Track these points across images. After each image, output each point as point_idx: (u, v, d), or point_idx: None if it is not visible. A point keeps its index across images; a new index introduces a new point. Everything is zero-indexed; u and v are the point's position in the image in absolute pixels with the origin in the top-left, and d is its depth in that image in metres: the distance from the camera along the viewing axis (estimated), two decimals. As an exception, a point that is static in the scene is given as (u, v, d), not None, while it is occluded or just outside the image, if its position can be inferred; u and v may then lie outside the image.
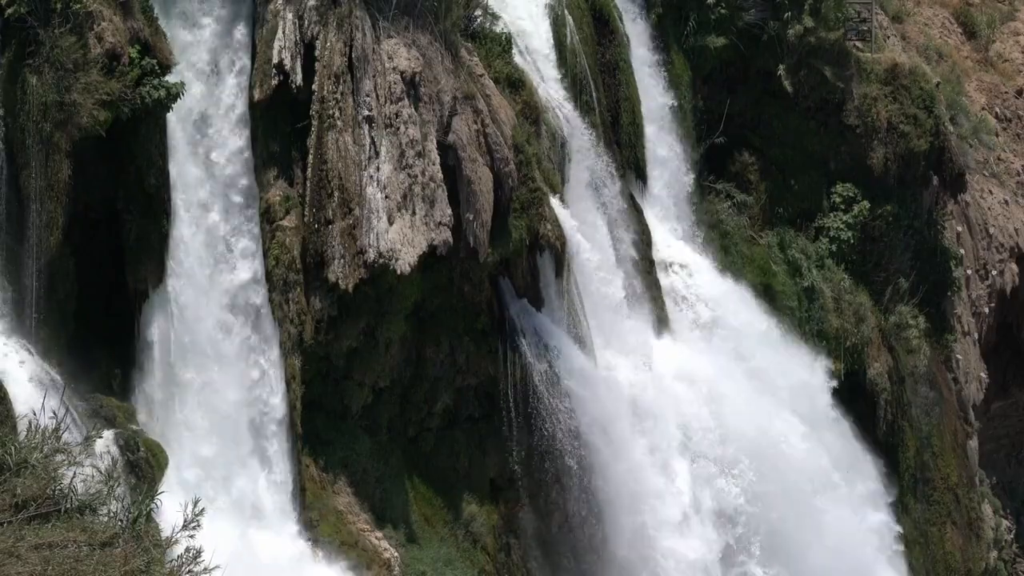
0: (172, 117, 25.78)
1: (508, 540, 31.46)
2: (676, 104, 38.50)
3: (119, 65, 24.64)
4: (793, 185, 41.36)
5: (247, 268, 27.37)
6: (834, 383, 38.96)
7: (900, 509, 40.80)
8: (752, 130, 41.14)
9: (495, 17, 32.43)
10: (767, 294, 39.32)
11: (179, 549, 12.73)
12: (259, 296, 27.51)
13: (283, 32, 27.53)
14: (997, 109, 50.37)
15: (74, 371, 24.58)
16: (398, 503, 29.69)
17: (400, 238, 28.02)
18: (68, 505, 12.79)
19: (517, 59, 32.88)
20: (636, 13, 38.14)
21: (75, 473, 13.25)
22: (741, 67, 40.69)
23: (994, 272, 47.12)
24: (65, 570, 11.74)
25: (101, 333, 25.78)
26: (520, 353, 31.04)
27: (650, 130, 37.43)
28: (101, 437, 22.69)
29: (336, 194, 27.73)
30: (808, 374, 38.46)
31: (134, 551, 12.31)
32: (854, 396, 39.96)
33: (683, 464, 33.73)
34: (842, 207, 41.29)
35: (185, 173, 26.55)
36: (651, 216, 36.59)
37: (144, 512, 13.14)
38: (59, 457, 13.25)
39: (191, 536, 12.73)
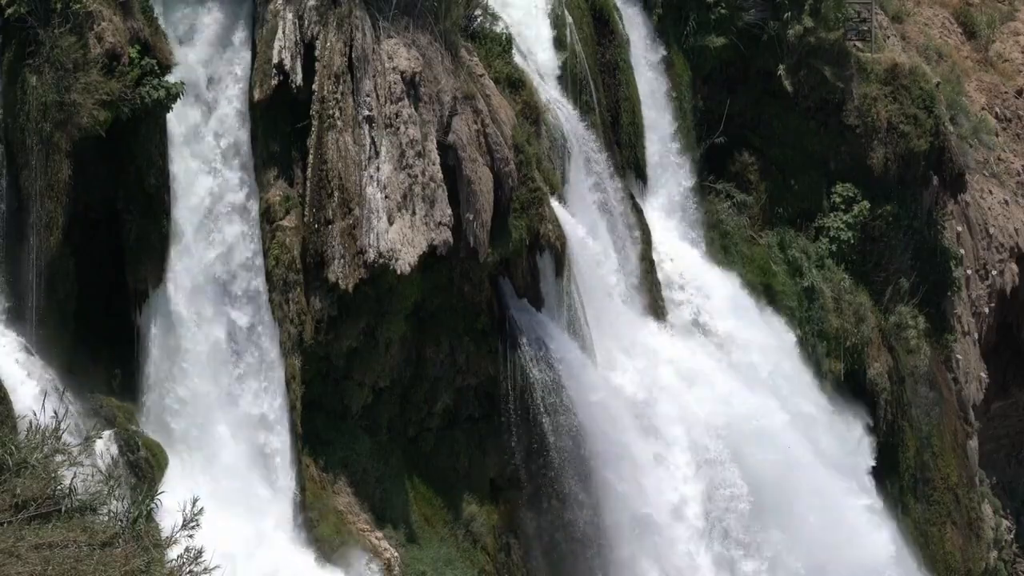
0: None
1: (508, 540, 31.45)
2: (676, 104, 38.51)
3: (119, 65, 24.65)
4: (793, 185, 41.36)
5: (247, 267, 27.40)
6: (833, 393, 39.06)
7: (900, 509, 40.82)
8: (752, 130, 41.14)
9: (495, 17, 32.43)
10: (767, 294, 39.35)
11: (179, 549, 12.74)
12: (259, 296, 27.51)
13: (283, 32, 27.54)
14: (997, 109, 50.36)
15: (74, 371, 24.58)
16: (398, 503, 29.69)
17: (400, 238, 28.01)
18: (68, 505, 12.79)
19: (517, 59, 32.89)
20: (636, 13, 38.16)
21: (75, 473, 13.25)
22: (741, 67, 40.68)
23: (994, 272, 47.11)
24: (65, 570, 11.74)
25: (101, 333, 25.78)
26: (520, 353, 31.03)
27: (650, 130, 37.44)
28: (101, 437, 22.71)
29: (336, 194, 27.73)
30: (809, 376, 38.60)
31: (134, 551, 12.32)
32: (854, 396, 39.99)
33: (684, 462, 33.71)
34: (842, 207, 41.29)
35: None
36: (651, 216, 36.60)
37: (144, 512, 13.14)
38: (59, 457, 13.26)
39: (191, 536, 12.73)
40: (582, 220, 33.08)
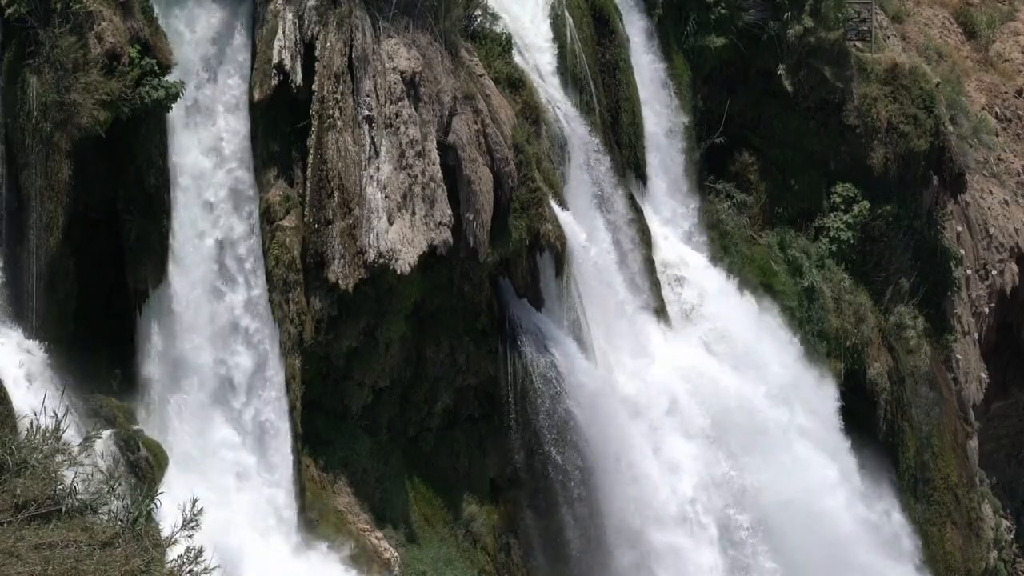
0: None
1: (508, 540, 31.45)
2: (676, 104, 38.50)
3: (119, 65, 24.66)
4: (793, 185, 41.36)
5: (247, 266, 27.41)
6: (840, 402, 39.00)
7: (900, 509, 40.82)
8: (752, 130, 41.14)
9: (495, 17, 32.44)
10: (767, 294, 39.34)
11: (179, 549, 12.73)
12: (259, 296, 27.51)
13: (283, 32, 27.54)
14: (997, 109, 50.35)
15: (74, 371, 24.57)
16: (398, 503, 29.69)
17: (400, 238, 28.02)
18: (68, 505, 12.78)
19: (517, 59, 32.89)
20: (636, 13, 38.15)
21: (76, 473, 13.24)
22: (741, 67, 40.68)
23: (994, 272, 47.11)
24: (65, 570, 11.74)
25: (101, 333, 25.78)
26: (520, 353, 31.04)
27: (650, 130, 37.43)
28: (101, 437, 22.68)
29: (336, 194, 27.73)
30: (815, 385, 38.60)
31: (134, 551, 12.31)
32: (854, 396, 39.97)
33: (684, 462, 33.71)
34: (842, 207, 41.28)
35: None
36: (651, 216, 36.59)
37: (144, 512, 13.14)
38: (59, 457, 13.25)
39: (190, 536, 12.73)
40: (582, 220, 33.08)
